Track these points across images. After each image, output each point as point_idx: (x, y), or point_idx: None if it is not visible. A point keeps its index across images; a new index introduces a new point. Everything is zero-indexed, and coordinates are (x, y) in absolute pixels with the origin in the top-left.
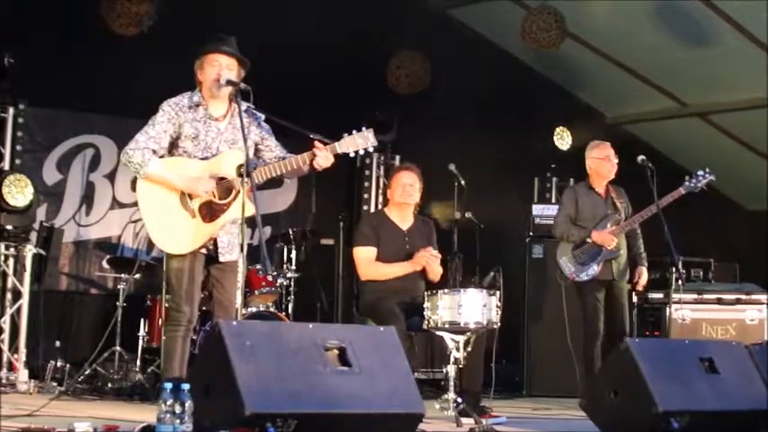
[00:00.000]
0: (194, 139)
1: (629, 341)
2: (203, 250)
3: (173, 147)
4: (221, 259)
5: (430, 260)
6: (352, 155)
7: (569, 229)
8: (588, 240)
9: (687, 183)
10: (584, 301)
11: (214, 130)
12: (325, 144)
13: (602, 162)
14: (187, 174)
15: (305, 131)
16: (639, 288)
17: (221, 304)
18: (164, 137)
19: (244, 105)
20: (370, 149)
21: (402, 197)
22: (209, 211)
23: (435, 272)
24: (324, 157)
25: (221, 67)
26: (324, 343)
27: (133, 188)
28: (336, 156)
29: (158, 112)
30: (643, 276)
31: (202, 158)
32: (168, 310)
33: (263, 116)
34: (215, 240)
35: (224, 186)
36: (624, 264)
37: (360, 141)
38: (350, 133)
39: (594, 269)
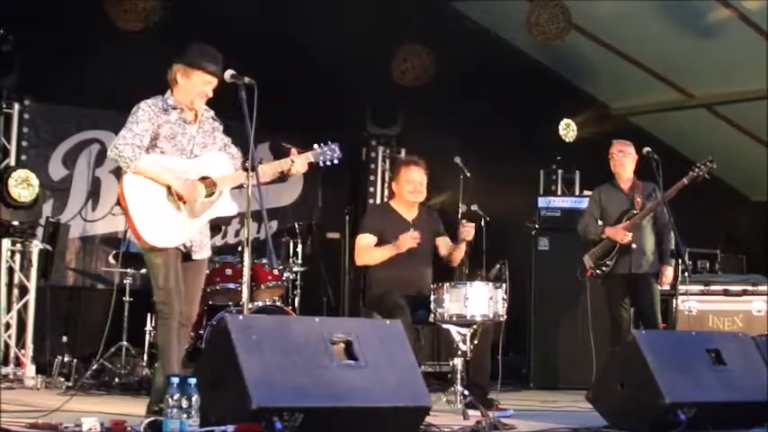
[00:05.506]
0: (172, 139)
1: (635, 333)
2: (181, 247)
3: (149, 147)
4: (194, 257)
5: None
6: (321, 165)
7: (587, 226)
8: (603, 236)
9: (691, 173)
10: (607, 296)
11: (188, 134)
12: (299, 152)
13: (610, 158)
14: (175, 171)
15: (278, 141)
16: (663, 286)
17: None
18: (146, 135)
19: (211, 112)
20: (335, 162)
21: (413, 195)
22: (194, 208)
23: (459, 253)
24: (301, 164)
25: (211, 87)
26: (330, 337)
27: None
28: (309, 163)
29: (138, 111)
30: (667, 275)
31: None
32: (157, 306)
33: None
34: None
35: (208, 184)
36: (646, 259)
37: (328, 154)
38: (319, 145)
39: (608, 264)
